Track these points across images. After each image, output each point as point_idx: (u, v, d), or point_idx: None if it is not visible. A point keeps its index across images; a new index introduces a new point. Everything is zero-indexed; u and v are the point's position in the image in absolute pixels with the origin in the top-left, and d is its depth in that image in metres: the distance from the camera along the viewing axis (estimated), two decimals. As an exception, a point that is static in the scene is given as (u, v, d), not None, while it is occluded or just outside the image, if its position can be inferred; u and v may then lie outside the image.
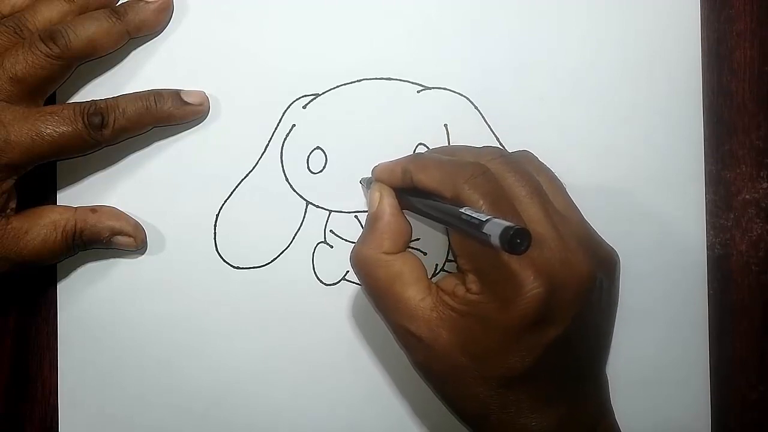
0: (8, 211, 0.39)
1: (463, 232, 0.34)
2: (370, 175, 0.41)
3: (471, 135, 0.42)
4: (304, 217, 0.43)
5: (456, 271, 0.40)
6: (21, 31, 0.39)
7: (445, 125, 0.42)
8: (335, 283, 0.43)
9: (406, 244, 0.39)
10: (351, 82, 0.42)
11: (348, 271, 0.43)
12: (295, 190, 0.43)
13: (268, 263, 0.43)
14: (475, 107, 0.42)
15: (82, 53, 0.39)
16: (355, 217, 0.43)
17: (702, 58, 0.43)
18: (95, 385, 0.43)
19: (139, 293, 0.42)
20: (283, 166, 0.43)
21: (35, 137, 0.38)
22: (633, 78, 0.42)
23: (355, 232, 0.42)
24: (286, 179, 0.43)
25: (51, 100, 0.41)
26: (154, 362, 0.43)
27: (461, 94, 0.42)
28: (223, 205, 0.42)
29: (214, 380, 0.43)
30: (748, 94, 0.43)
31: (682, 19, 0.43)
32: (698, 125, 0.43)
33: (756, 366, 0.43)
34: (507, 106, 0.42)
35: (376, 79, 0.42)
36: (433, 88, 0.42)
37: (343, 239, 0.43)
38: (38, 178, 0.41)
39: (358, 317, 0.43)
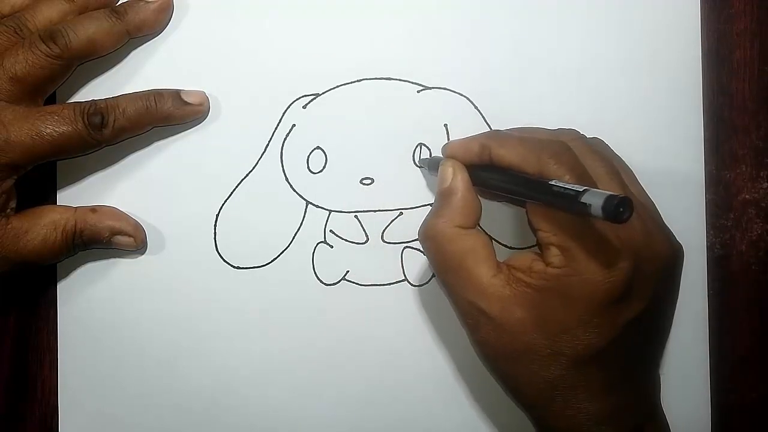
0: (8, 210, 0.39)
1: (553, 204, 0.34)
2: (428, 156, 0.42)
3: (471, 135, 0.42)
4: (303, 217, 0.43)
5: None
6: (21, 30, 0.39)
7: (445, 125, 0.42)
8: (335, 283, 0.43)
9: (477, 221, 0.38)
10: (351, 82, 0.42)
11: (348, 271, 0.43)
12: (294, 190, 0.43)
13: (268, 263, 0.43)
14: (475, 107, 0.42)
15: (82, 53, 0.39)
16: (355, 217, 0.43)
17: (702, 58, 0.43)
18: (95, 385, 0.43)
19: (139, 293, 0.42)
20: (283, 166, 0.42)
21: (35, 137, 0.38)
22: (633, 78, 0.42)
23: (355, 232, 0.42)
24: (286, 179, 0.43)
25: (51, 100, 0.41)
26: (154, 362, 0.43)
27: (461, 94, 0.42)
28: (223, 205, 0.42)
29: (214, 380, 0.43)
30: (748, 94, 0.43)
31: (682, 19, 0.43)
32: (698, 125, 0.43)
33: (756, 366, 0.43)
34: (507, 106, 0.42)
35: (376, 79, 0.42)
36: (433, 88, 0.42)
37: (343, 239, 0.43)
38: (38, 178, 0.41)
39: (358, 317, 0.42)
